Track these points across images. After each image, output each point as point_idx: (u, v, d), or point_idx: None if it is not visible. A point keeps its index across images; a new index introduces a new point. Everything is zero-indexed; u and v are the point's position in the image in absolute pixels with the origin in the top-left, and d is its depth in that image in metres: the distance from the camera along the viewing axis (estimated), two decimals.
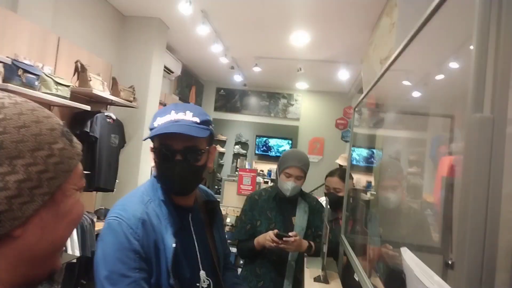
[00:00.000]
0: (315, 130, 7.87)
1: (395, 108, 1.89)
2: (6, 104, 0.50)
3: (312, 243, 2.04)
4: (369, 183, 2.86)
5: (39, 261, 0.54)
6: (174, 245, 1.03)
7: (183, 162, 1.04)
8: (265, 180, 6.28)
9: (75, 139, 0.58)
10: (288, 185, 2.02)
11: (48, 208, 0.52)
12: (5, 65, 2.46)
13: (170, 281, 1.01)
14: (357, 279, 1.67)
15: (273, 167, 7.47)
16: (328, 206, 2.13)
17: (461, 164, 0.54)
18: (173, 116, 1.04)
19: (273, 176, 7.25)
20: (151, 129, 1.06)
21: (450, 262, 0.89)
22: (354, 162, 2.78)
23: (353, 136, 2.51)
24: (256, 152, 7.99)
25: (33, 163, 0.50)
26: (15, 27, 2.72)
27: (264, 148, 7.97)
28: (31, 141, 0.50)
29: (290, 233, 1.88)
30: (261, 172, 7.23)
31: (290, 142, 7.89)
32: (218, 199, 1.58)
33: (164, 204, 1.09)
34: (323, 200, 2.51)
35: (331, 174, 2.40)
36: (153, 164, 1.10)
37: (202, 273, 1.11)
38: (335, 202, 2.27)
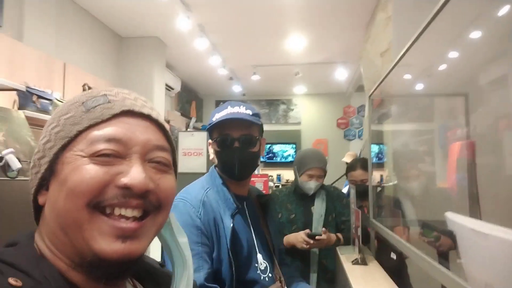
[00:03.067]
0: (318, 132, 7.92)
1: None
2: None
3: (339, 235, 2.03)
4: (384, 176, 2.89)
5: (66, 234, 0.49)
6: (231, 225, 1.13)
7: (241, 148, 1.18)
8: (276, 185, 6.29)
9: (104, 106, 0.53)
10: (311, 185, 2.03)
11: (53, 177, 0.51)
12: (20, 92, 2.50)
13: (230, 257, 1.10)
14: (394, 257, 1.70)
15: (281, 172, 7.49)
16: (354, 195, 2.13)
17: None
18: (229, 110, 1.20)
19: (283, 181, 7.27)
20: (209, 124, 1.21)
21: None
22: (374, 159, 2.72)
23: (369, 131, 2.45)
24: (261, 160, 8.01)
25: (44, 137, 0.54)
26: (22, 56, 2.77)
27: (269, 155, 8.00)
28: (52, 119, 0.55)
29: (322, 230, 1.88)
30: (270, 177, 7.25)
31: (294, 146, 7.92)
32: None
33: (222, 190, 1.21)
34: (345, 190, 2.53)
35: (353, 168, 2.38)
36: (212, 156, 1.24)
37: (259, 256, 1.17)
38: (363, 192, 2.24)
